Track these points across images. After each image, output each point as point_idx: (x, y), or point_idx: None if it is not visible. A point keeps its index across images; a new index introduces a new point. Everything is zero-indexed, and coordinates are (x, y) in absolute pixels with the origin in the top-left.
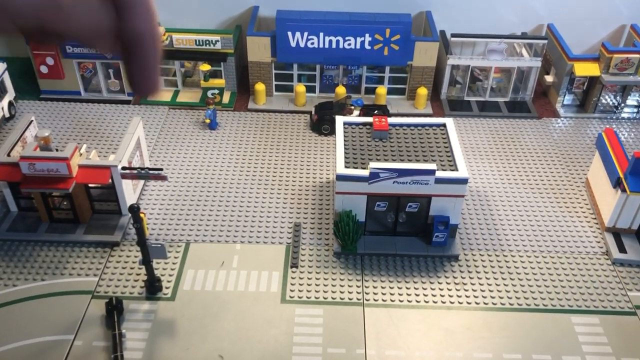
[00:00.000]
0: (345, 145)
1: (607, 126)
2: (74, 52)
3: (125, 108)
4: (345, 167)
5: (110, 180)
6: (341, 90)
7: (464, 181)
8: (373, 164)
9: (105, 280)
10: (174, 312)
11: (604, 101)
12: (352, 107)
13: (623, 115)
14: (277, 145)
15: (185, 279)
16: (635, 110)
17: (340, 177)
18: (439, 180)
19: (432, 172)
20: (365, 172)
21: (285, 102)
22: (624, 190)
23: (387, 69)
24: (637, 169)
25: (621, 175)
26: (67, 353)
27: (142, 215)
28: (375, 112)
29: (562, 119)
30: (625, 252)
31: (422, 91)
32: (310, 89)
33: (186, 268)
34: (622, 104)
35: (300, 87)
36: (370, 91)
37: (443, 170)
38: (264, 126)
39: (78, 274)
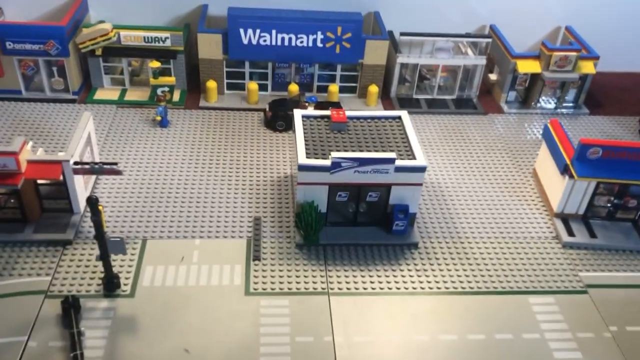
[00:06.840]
0: (305, 137)
1: (548, 120)
2: (14, 49)
3: (71, 107)
4: (307, 157)
5: (61, 176)
6: (294, 88)
7: (422, 169)
8: (334, 154)
9: (59, 280)
10: (135, 308)
11: (544, 97)
12: (307, 104)
13: (561, 111)
14: (231, 142)
15: (144, 276)
16: (572, 105)
17: (303, 168)
18: (399, 169)
19: (392, 160)
20: (327, 162)
21: (237, 100)
22: (571, 176)
23: (339, 67)
24: (583, 155)
25: (568, 162)
26: (20, 354)
27: (100, 208)
28: (330, 108)
29: (506, 114)
30: (574, 236)
31: (374, 89)
32: (262, 87)
33: (144, 265)
34: (562, 100)
35: (252, 85)
36: (322, 89)
37: (401, 159)
38: (217, 124)
39: (29, 274)
